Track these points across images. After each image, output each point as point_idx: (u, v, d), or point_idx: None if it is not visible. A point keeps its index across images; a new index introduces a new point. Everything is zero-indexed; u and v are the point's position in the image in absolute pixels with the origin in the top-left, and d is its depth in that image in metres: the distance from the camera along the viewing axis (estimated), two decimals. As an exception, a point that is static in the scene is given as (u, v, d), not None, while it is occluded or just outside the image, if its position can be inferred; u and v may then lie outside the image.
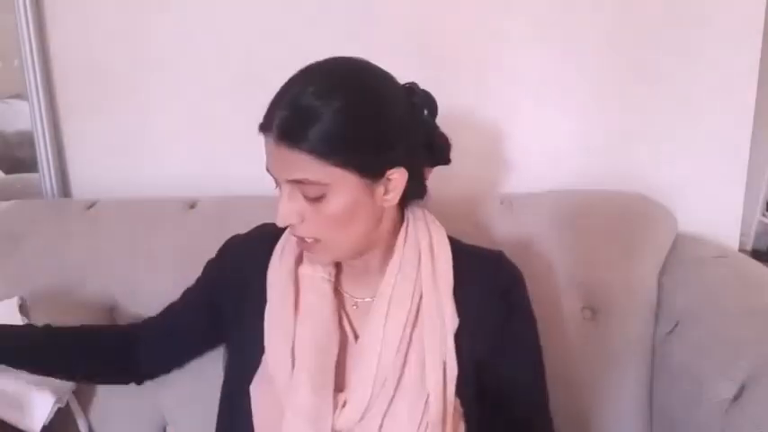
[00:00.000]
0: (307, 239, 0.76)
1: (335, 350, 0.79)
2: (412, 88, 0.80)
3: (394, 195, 0.76)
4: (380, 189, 0.75)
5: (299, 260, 0.84)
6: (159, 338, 0.96)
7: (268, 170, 0.75)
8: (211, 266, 0.94)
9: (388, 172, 0.74)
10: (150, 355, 0.96)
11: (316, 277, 0.82)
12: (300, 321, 0.80)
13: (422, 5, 1.25)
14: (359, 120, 0.71)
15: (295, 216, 0.74)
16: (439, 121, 0.83)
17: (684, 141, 1.29)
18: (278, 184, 0.75)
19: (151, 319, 0.98)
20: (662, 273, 1.13)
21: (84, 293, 1.10)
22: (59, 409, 0.99)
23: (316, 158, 0.70)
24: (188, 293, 0.96)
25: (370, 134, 0.72)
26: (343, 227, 0.75)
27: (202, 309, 0.93)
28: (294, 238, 0.82)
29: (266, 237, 0.88)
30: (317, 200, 0.72)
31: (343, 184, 0.72)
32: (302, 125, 0.69)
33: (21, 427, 0.94)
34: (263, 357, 0.81)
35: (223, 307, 0.90)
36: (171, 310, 0.96)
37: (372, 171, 0.73)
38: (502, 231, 1.15)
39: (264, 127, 0.73)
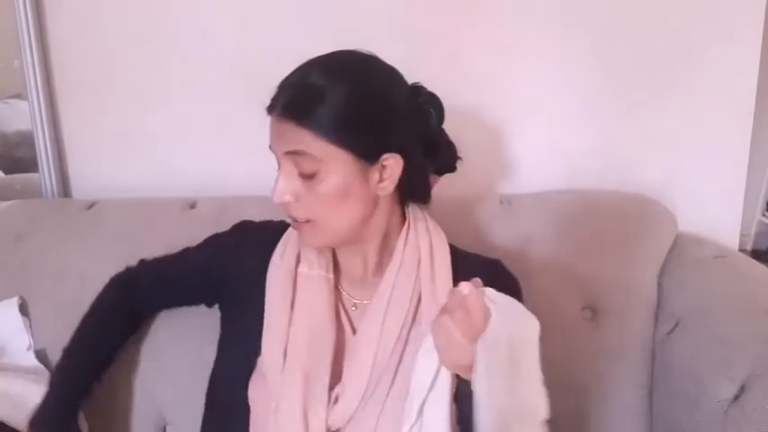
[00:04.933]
0: (299, 219, 0.77)
1: (331, 347, 0.79)
2: (418, 88, 0.81)
3: (388, 183, 0.77)
4: (375, 175, 0.76)
5: (299, 260, 0.84)
6: (155, 288, 0.99)
7: (271, 148, 0.77)
8: (220, 242, 0.94)
9: (384, 157, 0.75)
10: (145, 303, 1.01)
11: (313, 275, 0.82)
12: (295, 321, 0.80)
13: (424, 6, 1.25)
14: (359, 102, 0.74)
15: (290, 194, 0.75)
16: (439, 120, 0.83)
17: (684, 141, 1.29)
18: (279, 164, 0.77)
19: (148, 267, 0.99)
20: (662, 273, 1.13)
21: (84, 293, 1.09)
22: (59, 409, 0.99)
23: (313, 133, 0.72)
24: (188, 254, 0.96)
25: (368, 117, 0.75)
26: (336, 208, 0.76)
27: (197, 275, 0.94)
28: (295, 233, 0.83)
29: (276, 232, 0.88)
30: (310, 177, 0.74)
31: (337, 164, 0.74)
32: (304, 101, 0.73)
33: (21, 427, 0.95)
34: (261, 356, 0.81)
35: (222, 284, 0.90)
36: (164, 263, 0.98)
37: (368, 154, 0.75)
38: (502, 231, 1.15)
39: (271, 107, 0.76)
